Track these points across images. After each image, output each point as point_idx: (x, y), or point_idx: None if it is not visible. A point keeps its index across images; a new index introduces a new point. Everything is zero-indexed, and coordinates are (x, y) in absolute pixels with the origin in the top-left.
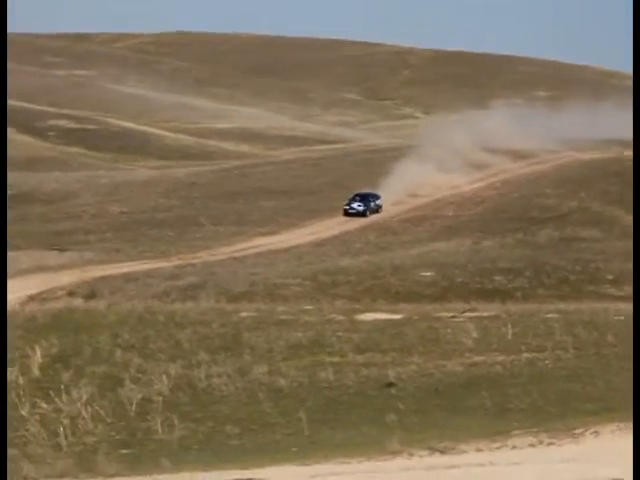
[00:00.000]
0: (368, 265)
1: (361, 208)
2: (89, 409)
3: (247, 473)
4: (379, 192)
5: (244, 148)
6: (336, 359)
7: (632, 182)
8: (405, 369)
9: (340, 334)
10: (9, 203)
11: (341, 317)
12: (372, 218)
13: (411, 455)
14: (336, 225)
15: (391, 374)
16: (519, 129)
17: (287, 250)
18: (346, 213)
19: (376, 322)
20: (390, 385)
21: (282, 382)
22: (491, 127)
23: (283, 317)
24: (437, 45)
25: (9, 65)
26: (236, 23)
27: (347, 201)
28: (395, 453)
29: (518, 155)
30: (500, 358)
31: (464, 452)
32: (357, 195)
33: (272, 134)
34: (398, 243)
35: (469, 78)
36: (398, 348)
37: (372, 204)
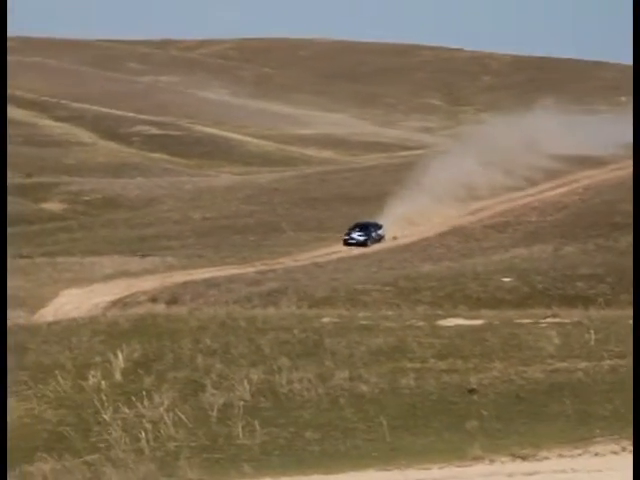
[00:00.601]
0: (449, 271)
1: (362, 238)
2: (171, 414)
3: (328, 479)
4: (380, 221)
5: (326, 154)
6: (417, 365)
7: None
8: (486, 375)
9: (421, 340)
10: (94, 209)
11: (422, 323)
12: (454, 224)
13: (492, 461)
14: (417, 232)
15: (472, 380)
16: (599, 135)
17: (367, 256)
18: (345, 243)
19: (457, 328)
20: (472, 391)
21: (363, 388)
22: (568, 132)
23: (364, 323)
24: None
25: (94, 72)
26: (318, 29)
27: (347, 231)
28: (476, 459)
29: (598, 161)
30: (582, 365)
31: (546, 458)
32: (357, 225)
33: (354, 140)
34: (480, 249)
35: (551, 84)
36: (479, 354)
37: (373, 234)
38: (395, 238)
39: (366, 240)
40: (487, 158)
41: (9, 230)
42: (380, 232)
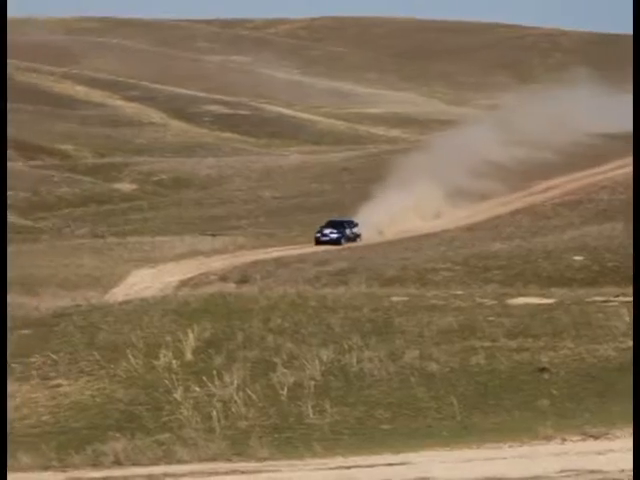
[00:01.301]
0: (520, 250)
1: (335, 235)
2: (241, 393)
3: (398, 458)
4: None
5: (395, 133)
6: (487, 344)
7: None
8: (557, 354)
9: (491, 319)
10: (164, 189)
11: (492, 302)
12: (525, 202)
13: (564, 440)
14: (487, 209)
15: (543, 359)
16: None
17: (437, 235)
18: (318, 242)
19: (528, 307)
20: (542, 370)
21: (433, 367)
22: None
23: (434, 302)
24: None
25: (166, 52)
26: (390, 7)
27: (318, 228)
28: (548, 438)
29: None
30: None
31: (618, 437)
32: (331, 222)
33: (423, 119)
34: (550, 227)
35: (623, 61)
36: (550, 333)
37: (348, 231)
38: (381, 233)
39: (340, 238)
40: (556, 136)
41: (82, 210)
42: (355, 230)
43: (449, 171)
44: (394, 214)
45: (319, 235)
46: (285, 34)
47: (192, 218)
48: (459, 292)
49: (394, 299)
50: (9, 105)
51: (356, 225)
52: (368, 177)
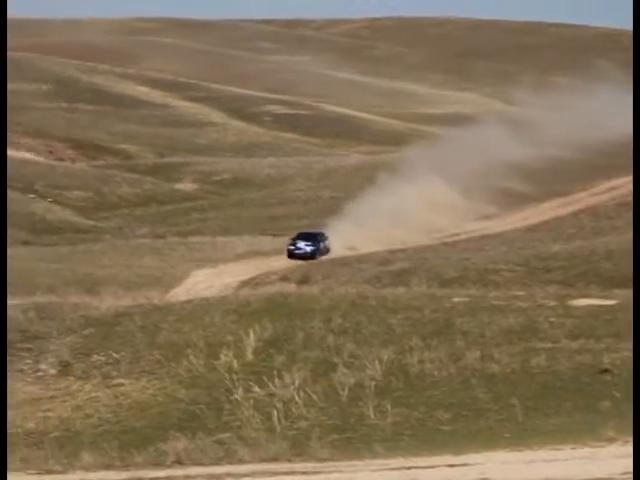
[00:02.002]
0: (581, 250)
1: (309, 248)
2: (302, 394)
3: (459, 459)
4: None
5: (459, 133)
6: (549, 345)
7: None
8: (619, 355)
9: (552, 320)
10: (225, 189)
11: (553, 303)
12: (587, 203)
13: (626, 442)
14: (548, 210)
15: (605, 360)
16: None
17: (498, 235)
18: (290, 255)
19: (589, 308)
20: (605, 372)
21: (495, 368)
22: None
23: (495, 302)
24: None
25: (227, 52)
26: (449, 7)
27: (290, 241)
28: (610, 440)
29: None
30: None
31: None
32: (302, 234)
33: (484, 119)
34: (612, 228)
35: None
36: (612, 334)
37: (321, 244)
38: (353, 249)
39: (315, 251)
40: (617, 137)
41: (143, 209)
42: (327, 243)
43: (502, 171)
44: (440, 214)
45: (292, 248)
46: (346, 34)
47: (252, 218)
48: (520, 293)
49: (455, 300)
50: (71, 105)
51: (327, 238)
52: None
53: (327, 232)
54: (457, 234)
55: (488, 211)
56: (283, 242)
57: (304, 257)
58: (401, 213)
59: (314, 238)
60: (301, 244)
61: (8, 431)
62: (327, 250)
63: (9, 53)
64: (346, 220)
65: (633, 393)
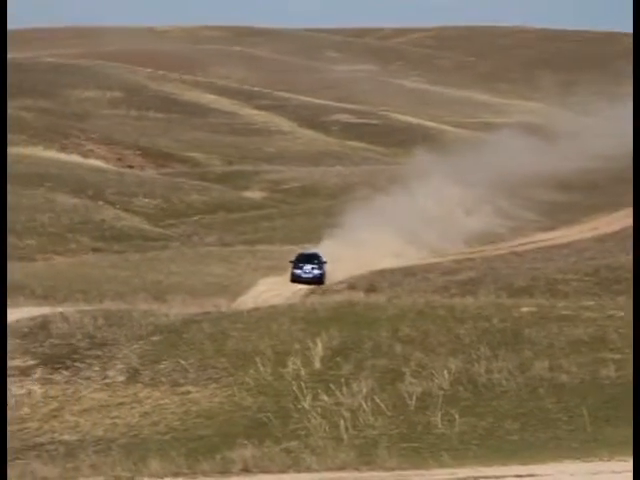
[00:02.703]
0: None
1: (317, 272)
2: (369, 402)
3: (527, 469)
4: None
5: (527, 143)
6: (618, 356)
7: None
8: None
9: (622, 331)
10: (293, 197)
11: (623, 313)
12: None
13: None
14: (616, 221)
15: None
16: None
17: (567, 245)
18: (295, 279)
19: None
20: None
21: (563, 378)
22: None
23: (564, 313)
24: None
25: (295, 61)
26: (518, 16)
27: (294, 263)
28: None
29: None
30: None
31: None
32: (304, 256)
33: (557, 129)
34: None
35: None
36: None
37: (324, 266)
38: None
39: (322, 275)
40: None
41: (211, 217)
42: (325, 266)
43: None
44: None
45: (299, 272)
46: (414, 43)
47: (320, 227)
48: (589, 303)
49: (523, 309)
50: (140, 113)
51: (325, 262)
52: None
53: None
54: (524, 244)
55: (551, 222)
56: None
57: (311, 282)
58: (444, 221)
59: (316, 259)
60: (308, 267)
61: (77, 437)
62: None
63: (80, 61)
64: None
65: (633, 395)
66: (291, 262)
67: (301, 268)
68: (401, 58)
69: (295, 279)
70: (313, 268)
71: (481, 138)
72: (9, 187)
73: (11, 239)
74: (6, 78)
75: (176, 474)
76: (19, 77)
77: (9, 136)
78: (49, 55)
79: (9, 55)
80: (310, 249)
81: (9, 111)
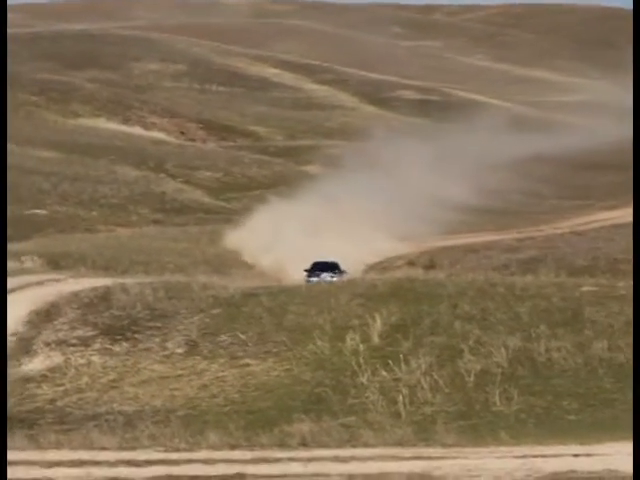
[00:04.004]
0: None
1: (337, 279)
2: (428, 379)
3: (585, 449)
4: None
5: (588, 121)
6: None
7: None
8: None
9: None
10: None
11: None
12: None
13: None
14: None
15: None
16: None
17: (629, 225)
18: None
19: None
20: None
21: (622, 358)
22: None
23: (624, 292)
24: None
25: (358, 35)
26: None
27: (309, 272)
28: None
29: None
30: None
31: None
32: (320, 264)
33: (615, 107)
34: None
35: None
36: None
37: (343, 275)
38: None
39: None
40: None
41: (272, 190)
42: (345, 275)
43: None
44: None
45: (316, 280)
46: (479, 20)
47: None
48: None
49: (584, 289)
50: (203, 86)
51: (343, 270)
52: (562, 164)
53: None
54: (587, 223)
55: (614, 201)
56: (412, 227)
57: None
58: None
59: (335, 268)
60: (326, 275)
61: (135, 408)
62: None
63: (145, 33)
64: None
65: (633, 393)
66: (306, 271)
67: (318, 276)
68: (466, 35)
69: None
70: (331, 277)
71: (546, 116)
72: (73, 157)
73: (76, 210)
74: (6, 77)
75: (234, 447)
76: (86, 48)
77: (74, 106)
78: (117, 27)
79: (79, 26)
80: (329, 258)
81: (76, 82)
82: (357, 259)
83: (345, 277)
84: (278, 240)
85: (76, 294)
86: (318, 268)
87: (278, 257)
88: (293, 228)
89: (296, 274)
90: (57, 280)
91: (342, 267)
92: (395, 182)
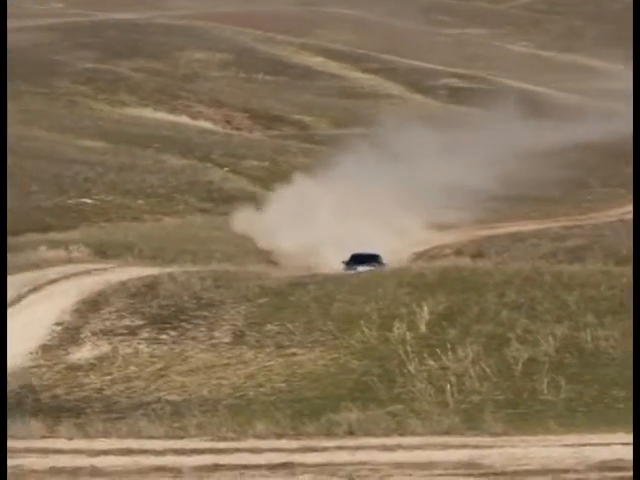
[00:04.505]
0: None
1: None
2: (475, 367)
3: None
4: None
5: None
6: None
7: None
8: None
9: None
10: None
11: None
12: None
13: None
14: None
15: None
16: None
17: None
18: None
19: None
20: None
21: None
22: None
23: None
24: None
25: (403, 24)
26: None
27: (344, 265)
28: None
29: None
30: None
31: None
32: (358, 256)
33: None
34: None
35: None
36: None
37: (383, 267)
38: None
39: None
40: None
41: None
42: (385, 268)
43: None
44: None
45: (352, 272)
46: (524, 7)
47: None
48: None
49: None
50: (249, 75)
51: (384, 263)
52: (609, 152)
53: None
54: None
55: None
56: (458, 216)
57: None
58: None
59: (374, 260)
60: (361, 269)
61: (183, 397)
62: None
63: (190, 22)
64: None
65: (633, 390)
66: (343, 263)
67: (355, 269)
68: (511, 22)
69: None
70: (367, 269)
71: (591, 103)
72: (120, 147)
73: (123, 199)
74: (6, 77)
75: (280, 436)
76: (130, 38)
77: (121, 96)
78: (162, 16)
79: (124, 16)
80: (372, 250)
81: (122, 71)
82: (396, 248)
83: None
84: (314, 227)
85: (123, 283)
86: (357, 261)
87: (314, 244)
88: (328, 216)
89: (334, 262)
90: (104, 269)
91: (383, 259)
92: (435, 170)
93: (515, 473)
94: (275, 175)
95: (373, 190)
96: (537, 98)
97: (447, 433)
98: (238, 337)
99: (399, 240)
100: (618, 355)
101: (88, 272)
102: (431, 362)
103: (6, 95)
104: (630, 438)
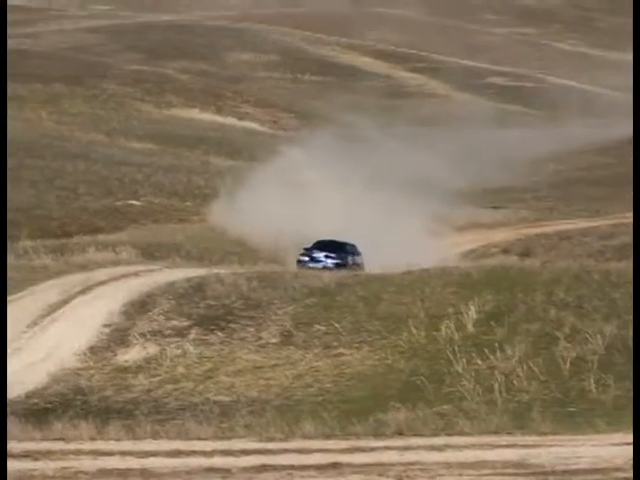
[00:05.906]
0: None
1: (330, 261)
2: (523, 367)
3: None
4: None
5: None
6: None
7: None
8: None
9: None
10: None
11: None
12: None
13: None
14: None
15: None
16: None
17: None
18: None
19: None
20: None
21: None
22: None
23: None
24: None
25: (451, 23)
26: None
27: (303, 251)
28: None
29: None
30: None
31: None
32: (321, 243)
33: None
34: None
35: None
36: None
37: (349, 259)
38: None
39: (340, 266)
40: None
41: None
42: (358, 259)
43: None
44: None
45: (306, 259)
46: (572, 5)
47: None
48: None
49: None
50: (296, 76)
51: (359, 253)
52: None
53: None
54: None
55: None
56: (505, 214)
57: None
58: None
59: (340, 250)
60: (319, 255)
61: (231, 398)
62: (357, 265)
63: (237, 24)
64: None
65: (633, 390)
66: (303, 250)
67: (310, 256)
68: (559, 21)
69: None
70: (327, 257)
71: None
72: (167, 148)
73: (170, 201)
74: (6, 77)
75: (329, 436)
76: (179, 39)
77: (167, 97)
78: (208, 18)
79: (170, 17)
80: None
81: (168, 72)
82: (442, 246)
83: (354, 260)
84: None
85: (171, 284)
86: (318, 248)
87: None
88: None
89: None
90: (152, 271)
91: (358, 257)
92: (482, 169)
93: (564, 472)
94: None
95: (418, 189)
96: (585, 96)
97: (495, 432)
98: (286, 338)
99: (446, 238)
100: None
101: (136, 274)
102: (479, 361)
103: (6, 95)
104: None
